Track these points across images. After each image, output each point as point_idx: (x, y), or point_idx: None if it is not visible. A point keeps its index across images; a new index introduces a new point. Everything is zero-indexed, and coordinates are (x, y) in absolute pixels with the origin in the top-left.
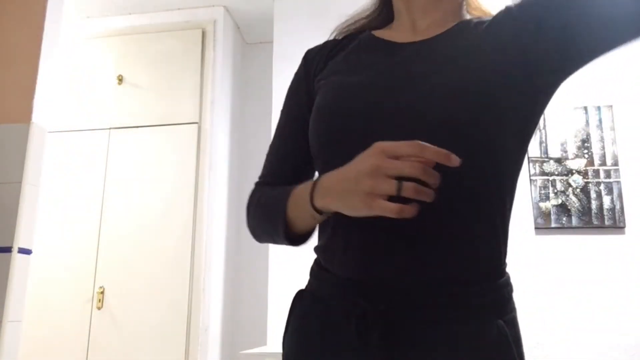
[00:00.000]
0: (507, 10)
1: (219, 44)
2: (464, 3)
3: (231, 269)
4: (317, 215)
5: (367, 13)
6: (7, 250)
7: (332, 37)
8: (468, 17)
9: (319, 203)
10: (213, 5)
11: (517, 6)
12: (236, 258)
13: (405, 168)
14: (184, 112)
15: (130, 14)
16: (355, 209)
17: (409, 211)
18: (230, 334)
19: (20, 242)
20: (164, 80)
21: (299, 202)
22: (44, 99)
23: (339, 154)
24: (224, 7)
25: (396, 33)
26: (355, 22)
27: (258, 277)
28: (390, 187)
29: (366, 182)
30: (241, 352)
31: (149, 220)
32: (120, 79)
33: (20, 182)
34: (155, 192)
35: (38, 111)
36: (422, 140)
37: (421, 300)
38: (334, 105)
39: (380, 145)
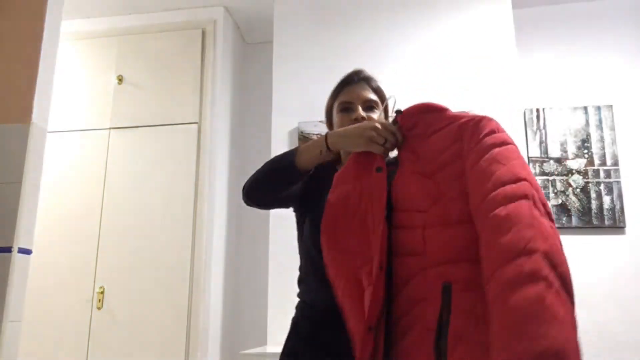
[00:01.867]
0: None
1: (219, 44)
2: None
3: (231, 269)
4: (325, 151)
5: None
6: (7, 250)
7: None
8: None
9: (330, 140)
10: (213, 5)
11: None
12: (236, 258)
13: (386, 134)
14: (184, 112)
15: (130, 14)
16: (358, 146)
17: (385, 149)
18: (230, 334)
19: (20, 242)
20: (164, 80)
21: (308, 145)
22: (44, 99)
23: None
24: (224, 7)
25: None
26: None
27: (258, 277)
28: (381, 139)
29: (369, 133)
30: (241, 352)
31: (149, 220)
32: (120, 79)
33: (20, 182)
34: (155, 192)
35: (38, 111)
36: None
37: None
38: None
39: (372, 122)
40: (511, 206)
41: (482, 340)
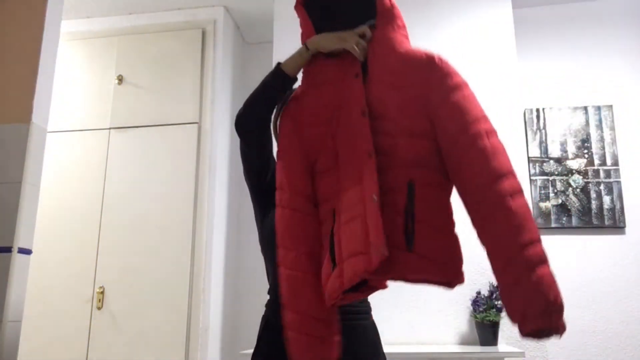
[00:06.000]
0: None
1: (219, 44)
2: None
3: (231, 269)
4: (305, 52)
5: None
6: (7, 250)
7: None
8: None
9: (309, 43)
10: (213, 5)
11: None
12: (236, 258)
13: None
14: (184, 112)
15: (130, 14)
16: (333, 44)
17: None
18: (230, 334)
19: (20, 242)
20: (164, 80)
21: (290, 56)
22: (44, 99)
23: None
24: (224, 7)
25: None
26: None
27: (258, 277)
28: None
29: (345, 37)
30: (241, 352)
31: (149, 220)
32: (120, 79)
33: (20, 182)
34: (155, 192)
35: (38, 111)
36: None
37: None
38: None
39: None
40: (493, 140)
41: (439, 223)
